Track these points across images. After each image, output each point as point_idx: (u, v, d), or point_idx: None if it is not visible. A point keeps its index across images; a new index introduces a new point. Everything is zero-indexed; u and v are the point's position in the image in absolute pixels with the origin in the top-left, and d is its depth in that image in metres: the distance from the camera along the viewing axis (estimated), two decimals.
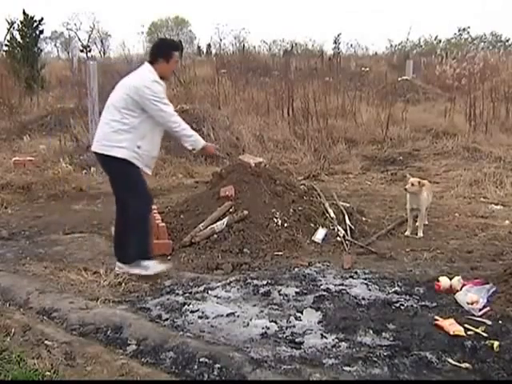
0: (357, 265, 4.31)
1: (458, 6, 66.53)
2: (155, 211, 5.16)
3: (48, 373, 2.69)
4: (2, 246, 4.85)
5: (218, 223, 4.75)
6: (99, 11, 70.40)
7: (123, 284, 3.89)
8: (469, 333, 3.04)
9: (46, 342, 3.00)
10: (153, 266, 4.07)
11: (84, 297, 3.65)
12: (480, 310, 3.31)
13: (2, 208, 6.14)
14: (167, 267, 4.16)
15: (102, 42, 44.76)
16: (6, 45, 15.75)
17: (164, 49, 4.07)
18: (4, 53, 15.78)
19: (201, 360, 2.79)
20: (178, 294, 3.70)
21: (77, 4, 75.73)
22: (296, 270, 4.14)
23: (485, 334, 3.03)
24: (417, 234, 5.10)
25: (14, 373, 2.65)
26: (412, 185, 5.04)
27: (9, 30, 15.76)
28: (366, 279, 3.95)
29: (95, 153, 4.08)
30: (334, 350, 2.94)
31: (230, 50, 22.79)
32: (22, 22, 15.64)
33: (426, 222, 5.38)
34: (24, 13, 15.64)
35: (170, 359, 2.87)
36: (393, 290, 3.75)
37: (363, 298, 3.60)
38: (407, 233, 5.15)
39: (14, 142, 10.06)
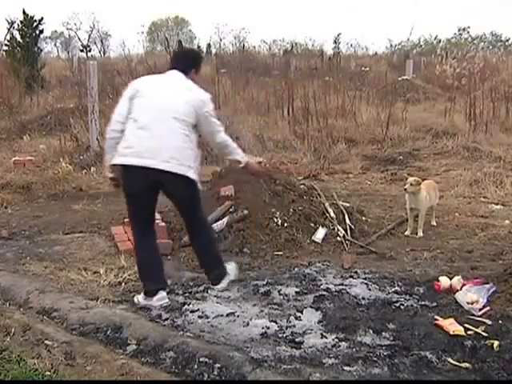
0: (357, 264, 4.31)
1: (458, 6, 66.66)
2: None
3: (48, 372, 2.69)
4: (2, 245, 4.84)
5: (218, 223, 4.75)
6: (99, 11, 70.61)
7: (123, 284, 3.89)
8: (469, 332, 3.05)
9: (45, 341, 3.00)
10: (233, 268, 3.68)
11: (84, 296, 3.65)
12: (480, 309, 3.31)
13: (2, 208, 6.13)
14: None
15: (101, 41, 44.83)
16: (6, 44, 15.73)
17: (196, 59, 3.74)
18: (4, 52, 15.75)
19: (201, 360, 2.79)
20: (177, 294, 3.71)
21: (77, 4, 75.86)
22: (296, 269, 4.14)
23: (485, 334, 3.03)
24: (417, 234, 5.10)
25: (14, 372, 2.65)
26: (411, 184, 5.05)
27: (9, 29, 15.74)
28: (365, 279, 3.95)
29: (160, 170, 3.30)
30: (333, 349, 2.94)
31: (230, 49, 22.84)
32: (21, 22, 15.62)
33: (434, 223, 5.38)
34: (24, 12, 15.63)
35: (170, 359, 2.86)
36: (393, 289, 3.76)
37: (363, 298, 3.60)
38: (407, 232, 5.15)
39: (14, 141, 10.04)
